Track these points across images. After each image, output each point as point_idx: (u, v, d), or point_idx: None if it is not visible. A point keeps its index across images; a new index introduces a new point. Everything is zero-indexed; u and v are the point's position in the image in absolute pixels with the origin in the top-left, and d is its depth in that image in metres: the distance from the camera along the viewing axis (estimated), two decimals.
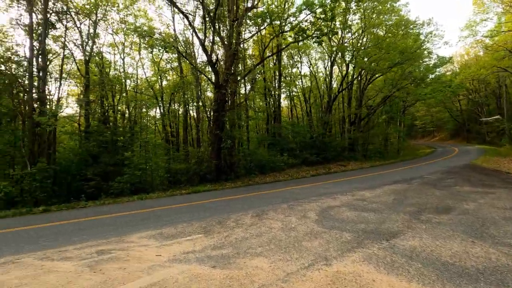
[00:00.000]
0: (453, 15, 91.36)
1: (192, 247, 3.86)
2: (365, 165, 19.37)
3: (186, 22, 20.41)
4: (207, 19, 14.02)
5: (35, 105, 12.43)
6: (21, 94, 14.01)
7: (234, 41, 13.97)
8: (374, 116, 27.85)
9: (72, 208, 8.69)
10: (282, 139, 20.66)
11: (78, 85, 20.31)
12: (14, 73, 13.36)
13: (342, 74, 25.91)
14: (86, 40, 16.30)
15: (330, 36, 21.01)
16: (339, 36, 23.10)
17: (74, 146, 15.76)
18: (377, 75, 24.35)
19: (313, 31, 15.76)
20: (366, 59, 20.81)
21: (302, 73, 27.84)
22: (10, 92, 13.61)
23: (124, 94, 18.91)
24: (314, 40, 16.95)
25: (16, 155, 13.03)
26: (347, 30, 22.18)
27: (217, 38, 15.04)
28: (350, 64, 23.14)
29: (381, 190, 8.12)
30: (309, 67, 27.69)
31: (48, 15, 13.58)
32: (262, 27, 18.03)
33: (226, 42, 14.34)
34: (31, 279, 3.01)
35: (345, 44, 22.98)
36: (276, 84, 23.46)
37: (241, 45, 16.63)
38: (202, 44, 13.44)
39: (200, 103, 21.31)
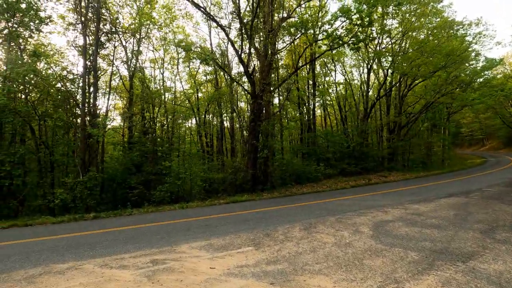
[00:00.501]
0: (502, 15, 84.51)
1: (245, 261, 3.72)
2: (408, 176, 18.16)
3: (222, 36, 21.11)
4: (243, 31, 14.30)
5: (87, 118, 13.42)
6: (73, 109, 15.25)
7: (270, 52, 14.06)
8: (415, 124, 26.14)
9: (120, 215, 9.08)
10: (318, 148, 20.12)
11: (122, 99, 21.79)
12: (68, 89, 14.60)
13: (379, 81, 24.89)
14: (131, 57, 17.47)
15: (367, 42, 20.40)
16: (376, 42, 22.28)
17: (119, 156, 16.72)
18: (417, 81, 23.00)
19: (349, 38, 15.35)
20: (405, 65, 19.74)
21: (336, 81, 27.25)
22: (65, 107, 14.90)
23: (163, 106, 19.84)
24: (350, 47, 16.46)
25: (70, 164, 14.13)
26: (386, 35, 21.33)
27: (252, 50, 15.26)
28: (389, 70, 22.13)
29: (437, 204, 7.41)
30: (343, 75, 27.06)
31: (99, 36, 14.77)
32: (296, 37, 17.99)
33: (261, 53, 14.47)
34: (94, 287, 3.07)
35: (383, 50, 22.09)
36: (310, 93, 23.14)
37: (276, 55, 16.68)
38: (239, 55, 13.69)
39: (234, 114, 21.70)
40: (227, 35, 14.00)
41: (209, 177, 14.23)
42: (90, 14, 14.58)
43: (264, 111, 15.37)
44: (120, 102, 22.76)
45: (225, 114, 22.48)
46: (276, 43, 15.50)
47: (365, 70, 24.17)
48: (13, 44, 12.39)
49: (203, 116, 22.46)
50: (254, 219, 6.75)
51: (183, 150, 17.00)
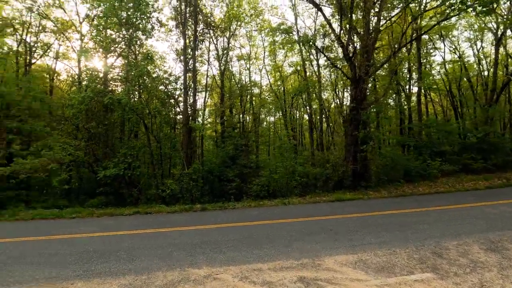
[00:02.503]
0: None
1: None
2: None
3: (308, 24, 19.74)
4: (341, 9, 12.72)
5: (188, 115, 14.21)
6: (175, 107, 16.48)
7: (374, 28, 12.13)
8: None
9: (224, 208, 9.01)
10: (429, 141, 16.92)
11: (212, 96, 22.91)
12: (170, 90, 15.78)
13: (509, 55, 19.43)
14: (221, 55, 17.97)
15: (496, 5, 15.97)
16: (507, 6, 17.27)
17: (213, 149, 17.47)
18: None
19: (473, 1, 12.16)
20: None
21: (442, 60, 22.57)
22: (168, 106, 16.22)
23: (248, 98, 19.92)
24: (477, 10, 13.02)
25: (174, 157, 15.33)
26: None
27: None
28: None
29: None
30: (455, 52, 22.16)
31: (197, 37, 15.46)
32: (397, 11, 15.39)
33: (362, 32, 12.65)
34: None
35: None
36: (415, 76, 19.76)
37: (379, 33, 14.53)
38: (338, 37, 12.23)
39: (322, 105, 20.28)
40: (323, 14, 12.65)
41: (306, 171, 13.31)
42: (187, 17, 15.39)
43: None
44: (210, 100, 23.98)
45: (314, 106, 21.21)
46: (381, 17, 13.33)
47: (482, 45, 19.20)
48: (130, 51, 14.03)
49: (289, 109, 21.70)
50: (387, 224, 5.43)
51: (275, 145, 16.58)
